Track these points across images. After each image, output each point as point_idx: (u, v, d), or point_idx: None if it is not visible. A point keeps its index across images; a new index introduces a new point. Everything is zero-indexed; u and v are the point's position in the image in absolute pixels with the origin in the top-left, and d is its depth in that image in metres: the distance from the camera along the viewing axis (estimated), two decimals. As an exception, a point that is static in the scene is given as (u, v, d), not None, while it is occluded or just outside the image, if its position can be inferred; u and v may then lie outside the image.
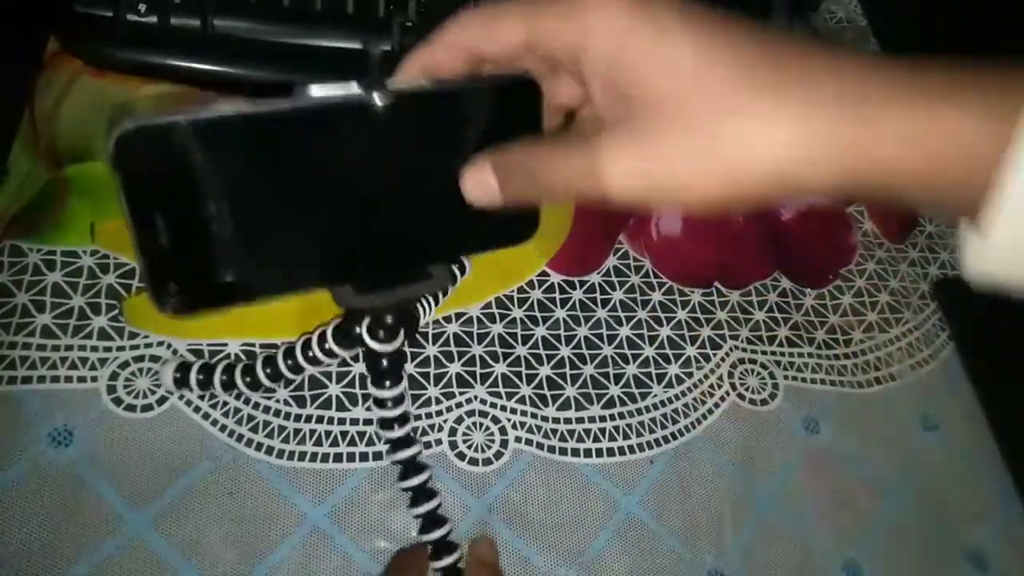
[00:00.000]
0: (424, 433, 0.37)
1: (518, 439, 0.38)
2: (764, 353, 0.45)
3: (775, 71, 0.20)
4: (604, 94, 0.22)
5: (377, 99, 0.24)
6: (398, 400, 0.32)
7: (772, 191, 0.20)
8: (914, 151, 0.18)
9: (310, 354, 0.33)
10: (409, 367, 0.39)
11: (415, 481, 0.33)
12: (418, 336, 0.40)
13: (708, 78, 0.20)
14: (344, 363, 0.38)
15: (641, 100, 0.21)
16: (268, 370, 0.34)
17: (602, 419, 0.40)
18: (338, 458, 0.36)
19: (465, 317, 0.41)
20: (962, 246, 0.19)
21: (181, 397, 0.35)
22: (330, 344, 0.33)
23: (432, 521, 0.33)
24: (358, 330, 0.30)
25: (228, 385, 0.34)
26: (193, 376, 0.34)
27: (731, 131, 0.20)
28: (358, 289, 0.26)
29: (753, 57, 0.20)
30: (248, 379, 0.34)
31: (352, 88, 0.24)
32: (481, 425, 0.38)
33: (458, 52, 0.24)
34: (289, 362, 0.34)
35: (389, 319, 0.29)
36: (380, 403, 0.32)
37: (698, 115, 0.20)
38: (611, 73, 0.21)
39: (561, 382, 0.40)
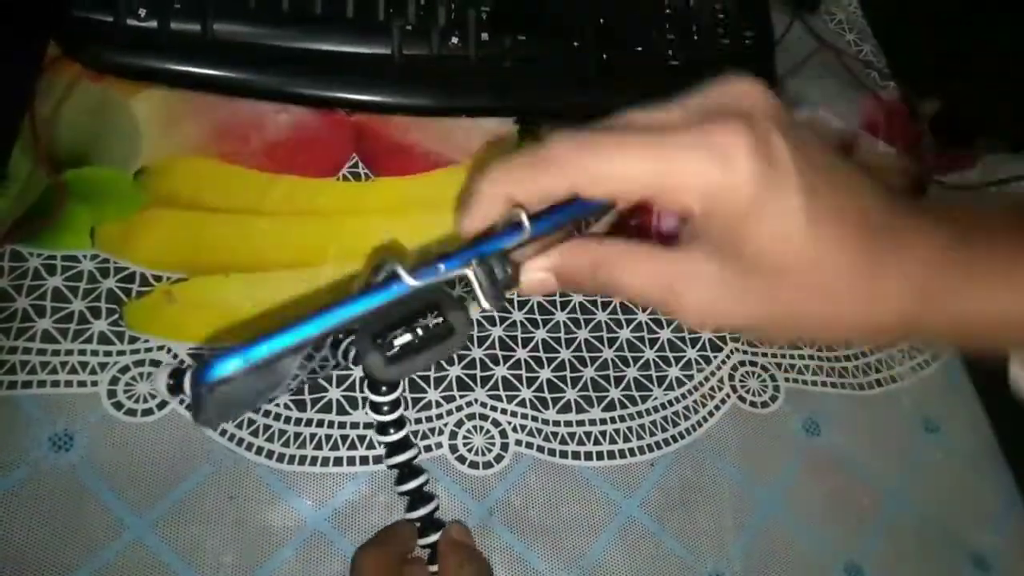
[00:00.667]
0: (424, 437, 0.37)
1: (518, 442, 0.38)
2: (765, 355, 0.45)
3: (880, 254, 0.22)
4: (711, 240, 0.23)
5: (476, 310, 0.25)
6: (394, 405, 0.33)
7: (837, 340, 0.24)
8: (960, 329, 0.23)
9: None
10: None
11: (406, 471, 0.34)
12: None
13: (824, 266, 0.22)
14: (344, 366, 0.38)
15: (753, 260, 0.22)
16: None
17: (603, 422, 0.40)
18: (339, 462, 0.36)
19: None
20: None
21: (181, 402, 0.35)
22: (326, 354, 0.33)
23: (420, 498, 0.34)
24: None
25: None
26: (188, 382, 0.34)
27: (829, 304, 0.22)
28: (388, 361, 0.26)
29: (864, 241, 0.22)
30: None
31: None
32: (481, 428, 0.38)
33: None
34: None
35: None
36: (376, 408, 0.32)
37: (818, 283, 0.22)
38: (727, 232, 0.22)
39: (561, 385, 0.40)
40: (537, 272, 0.25)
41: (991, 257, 0.22)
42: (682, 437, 0.41)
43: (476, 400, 0.39)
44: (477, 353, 0.40)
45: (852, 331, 0.23)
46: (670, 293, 0.23)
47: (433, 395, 0.38)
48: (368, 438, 0.37)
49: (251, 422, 0.35)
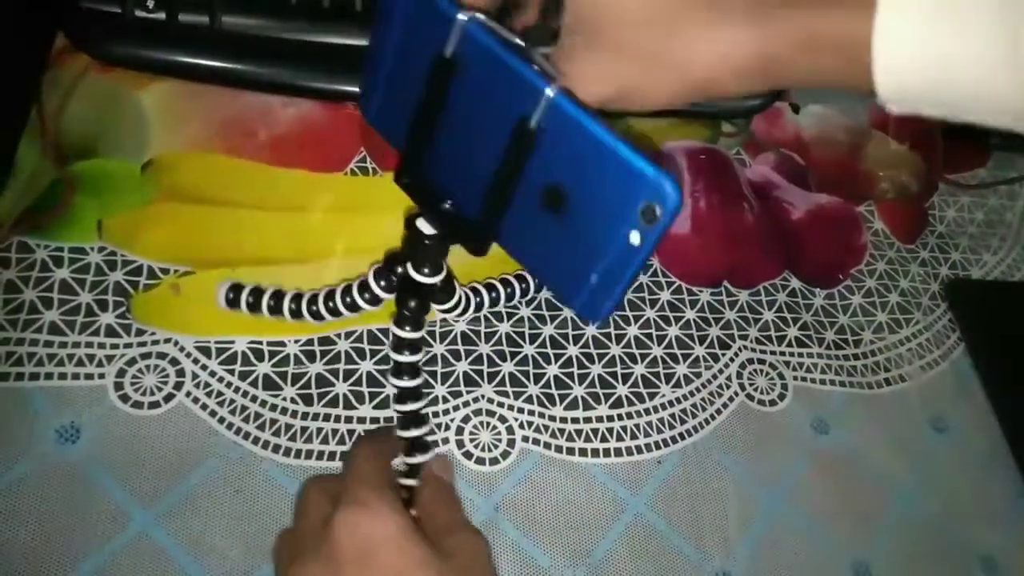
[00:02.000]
0: (431, 432, 0.37)
1: (525, 438, 0.38)
2: (773, 353, 0.44)
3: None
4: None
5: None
6: (415, 347, 0.33)
7: (705, 88, 0.26)
8: (802, 48, 0.24)
9: (348, 300, 0.35)
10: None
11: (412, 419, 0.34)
12: (425, 335, 0.39)
13: (655, 8, 0.25)
14: (351, 360, 0.38)
15: (602, 20, 0.25)
16: (312, 308, 0.35)
17: (610, 419, 0.40)
18: (345, 457, 0.36)
19: (474, 316, 0.41)
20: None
21: (188, 394, 0.35)
22: (373, 286, 0.34)
23: (415, 419, 0.34)
24: (400, 270, 0.33)
25: (275, 310, 0.36)
26: (244, 297, 0.36)
27: (677, 45, 0.25)
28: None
29: None
30: (293, 307, 0.36)
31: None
32: (488, 424, 0.38)
33: None
34: (329, 304, 0.35)
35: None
36: (398, 346, 0.33)
37: (650, 35, 0.25)
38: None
39: (569, 381, 0.40)
40: None
41: None
42: (689, 435, 0.40)
43: (483, 396, 0.39)
44: (484, 349, 0.40)
45: (696, 78, 0.26)
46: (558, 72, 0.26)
47: (440, 390, 0.38)
48: (374, 433, 0.36)
49: (258, 416, 0.35)
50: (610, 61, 0.25)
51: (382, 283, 0.34)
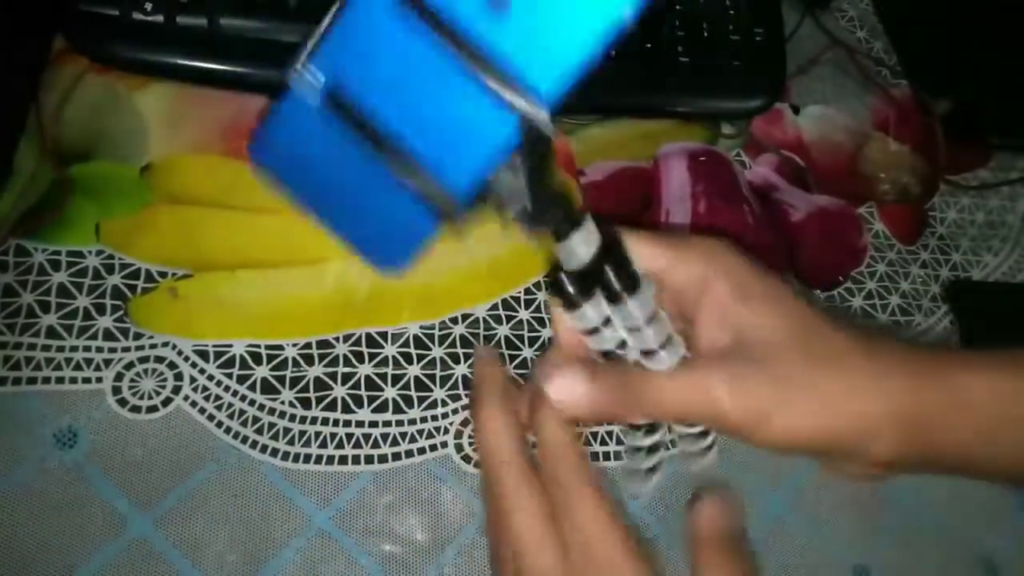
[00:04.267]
0: (430, 436, 0.37)
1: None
2: (773, 356, 0.44)
3: (871, 342, 0.25)
4: (713, 327, 0.25)
5: None
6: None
7: (846, 440, 0.25)
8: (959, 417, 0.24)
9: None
10: (415, 369, 0.38)
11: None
12: (422, 337, 0.39)
13: (811, 343, 0.25)
14: (349, 364, 0.38)
15: (753, 343, 0.25)
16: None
17: (610, 421, 0.40)
18: (343, 460, 0.35)
19: (471, 319, 0.41)
20: None
21: (186, 398, 0.35)
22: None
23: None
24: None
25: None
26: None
27: (829, 387, 0.24)
28: None
29: (838, 332, 0.25)
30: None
31: None
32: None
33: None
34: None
35: None
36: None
37: (804, 371, 0.24)
38: (727, 313, 0.25)
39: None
40: (573, 384, 0.25)
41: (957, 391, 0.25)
42: (689, 438, 0.40)
43: (482, 399, 0.39)
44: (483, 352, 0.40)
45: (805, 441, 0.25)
46: (705, 397, 0.25)
47: (439, 394, 0.38)
48: (373, 437, 0.36)
49: (256, 420, 0.35)
50: (763, 383, 0.24)
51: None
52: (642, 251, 0.26)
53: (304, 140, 0.24)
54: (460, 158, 0.23)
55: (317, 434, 0.36)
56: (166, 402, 0.35)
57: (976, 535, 0.42)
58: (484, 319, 0.41)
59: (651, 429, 0.28)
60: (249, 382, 0.36)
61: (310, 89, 0.23)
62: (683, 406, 0.25)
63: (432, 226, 0.24)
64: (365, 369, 0.38)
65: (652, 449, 0.29)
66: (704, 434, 0.30)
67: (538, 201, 0.24)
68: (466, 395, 0.39)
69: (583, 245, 0.25)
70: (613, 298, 0.25)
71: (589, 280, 0.26)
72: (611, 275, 0.25)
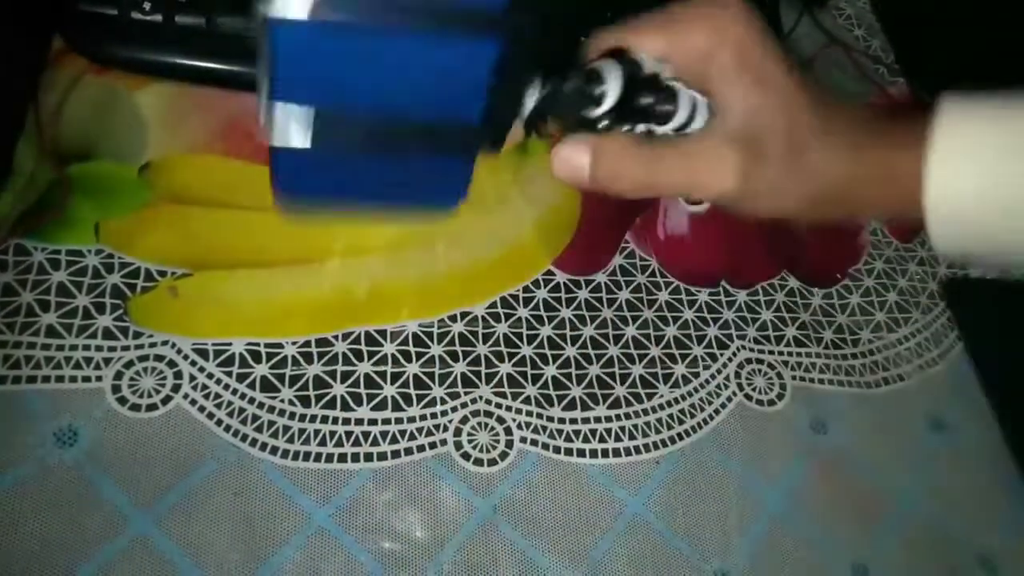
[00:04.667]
0: (429, 433, 0.37)
1: (523, 439, 0.38)
2: (771, 353, 0.44)
3: (830, 123, 0.27)
4: (723, 95, 0.27)
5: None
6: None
7: (823, 206, 0.28)
8: (875, 184, 0.27)
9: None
10: (414, 367, 0.39)
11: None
12: (421, 335, 0.39)
13: (799, 121, 0.27)
14: (348, 362, 0.38)
15: (746, 118, 0.26)
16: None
17: (608, 419, 0.40)
18: (343, 458, 0.36)
19: (470, 316, 0.41)
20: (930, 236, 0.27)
21: (186, 396, 0.35)
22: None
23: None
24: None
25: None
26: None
27: (810, 162, 0.27)
28: None
29: (818, 109, 0.27)
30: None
31: None
32: (486, 425, 0.38)
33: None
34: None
35: None
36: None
37: (791, 148, 0.27)
38: (736, 77, 0.26)
39: (566, 382, 0.40)
40: (577, 151, 0.27)
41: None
42: (688, 435, 0.40)
43: (481, 397, 0.39)
44: (482, 350, 0.40)
45: (773, 217, 0.28)
46: (703, 177, 0.27)
47: (438, 392, 0.38)
48: (373, 434, 0.36)
49: (255, 418, 0.35)
50: (746, 162, 0.26)
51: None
52: (645, 42, 0.27)
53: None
54: (461, 96, 0.24)
55: (316, 432, 0.36)
56: (166, 400, 0.35)
57: (973, 529, 0.42)
58: (483, 317, 0.41)
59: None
60: (248, 380, 0.36)
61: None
62: (682, 187, 0.27)
63: (471, 156, 0.26)
64: (364, 367, 0.38)
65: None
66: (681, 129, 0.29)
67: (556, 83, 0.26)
68: (465, 392, 0.39)
69: (611, 93, 0.26)
70: (660, 119, 0.27)
71: (624, 112, 0.27)
72: (650, 103, 0.27)
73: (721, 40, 0.26)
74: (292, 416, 0.36)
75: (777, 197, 0.27)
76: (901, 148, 0.27)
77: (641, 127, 0.27)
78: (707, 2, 0.27)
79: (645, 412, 0.41)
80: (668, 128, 0.27)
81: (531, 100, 0.26)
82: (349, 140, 0.24)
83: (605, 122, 0.27)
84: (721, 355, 0.43)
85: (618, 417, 0.40)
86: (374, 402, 0.37)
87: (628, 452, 0.39)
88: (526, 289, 0.42)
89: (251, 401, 0.36)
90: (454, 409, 0.38)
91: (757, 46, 0.27)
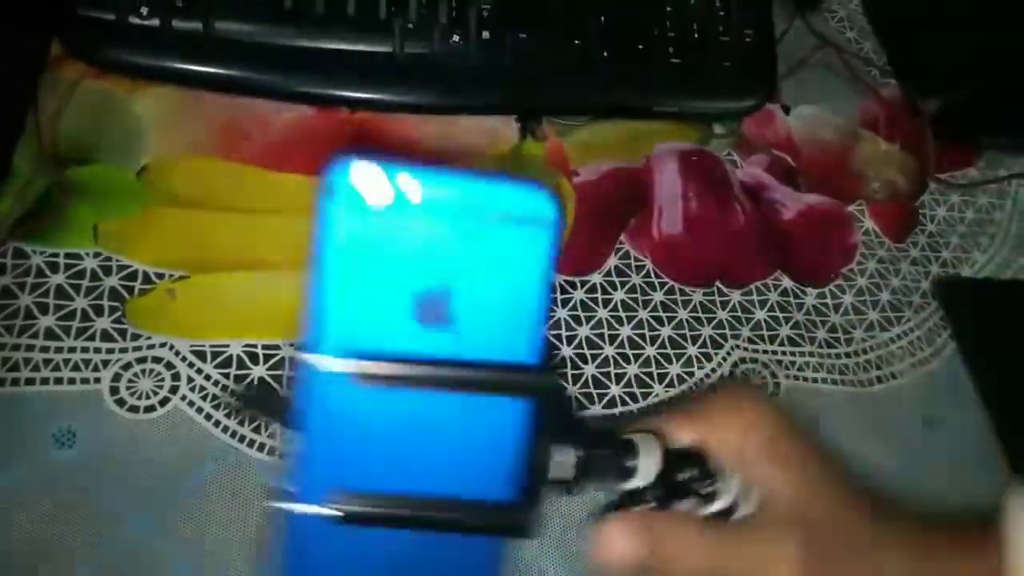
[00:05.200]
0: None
1: (520, 439, 0.38)
2: (765, 352, 0.45)
3: (888, 518, 0.27)
4: (762, 479, 0.27)
5: None
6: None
7: None
8: None
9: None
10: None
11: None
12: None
13: (851, 515, 0.27)
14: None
15: (792, 504, 0.26)
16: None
17: (604, 419, 0.40)
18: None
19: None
20: None
21: (183, 398, 0.35)
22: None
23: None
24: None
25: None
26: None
27: (873, 558, 0.26)
28: None
29: (869, 500, 0.28)
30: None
31: None
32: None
33: None
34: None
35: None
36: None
37: (848, 540, 0.26)
38: (767, 467, 0.27)
39: (562, 382, 0.40)
40: (624, 531, 0.26)
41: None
42: (683, 434, 0.41)
43: (477, 397, 0.39)
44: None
45: None
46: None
47: (434, 392, 0.38)
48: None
49: (252, 419, 0.36)
50: (807, 549, 0.26)
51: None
52: (678, 434, 0.27)
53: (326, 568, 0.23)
54: (494, 470, 0.22)
55: None
56: (164, 402, 0.35)
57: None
58: (479, 318, 0.41)
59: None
60: (246, 382, 0.36)
61: (315, 519, 0.22)
62: (758, 564, 0.26)
63: (501, 550, 0.24)
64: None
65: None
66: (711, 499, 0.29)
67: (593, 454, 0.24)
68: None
69: (651, 466, 0.25)
70: (705, 498, 0.26)
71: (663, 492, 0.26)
72: (693, 476, 0.26)
73: (749, 429, 0.27)
74: (290, 417, 0.36)
75: None
76: (970, 550, 0.26)
77: (684, 507, 0.26)
78: (733, 396, 0.28)
79: (641, 412, 0.41)
80: (713, 509, 0.26)
81: (560, 468, 0.24)
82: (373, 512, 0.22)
83: (652, 502, 0.26)
84: (715, 355, 0.44)
85: (614, 417, 0.40)
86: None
87: (624, 451, 0.39)
88: (522, 290, 0.43)
89: (249, 402, 0.36)
90: (451, 409, 0.38)
91: (786, 439, 0.27)
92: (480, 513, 0.22)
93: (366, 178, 0.19)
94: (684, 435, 0.27)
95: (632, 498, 0.26)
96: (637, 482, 0.25)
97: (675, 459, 0.26)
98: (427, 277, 0.20)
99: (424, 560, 0.23)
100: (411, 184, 0.19)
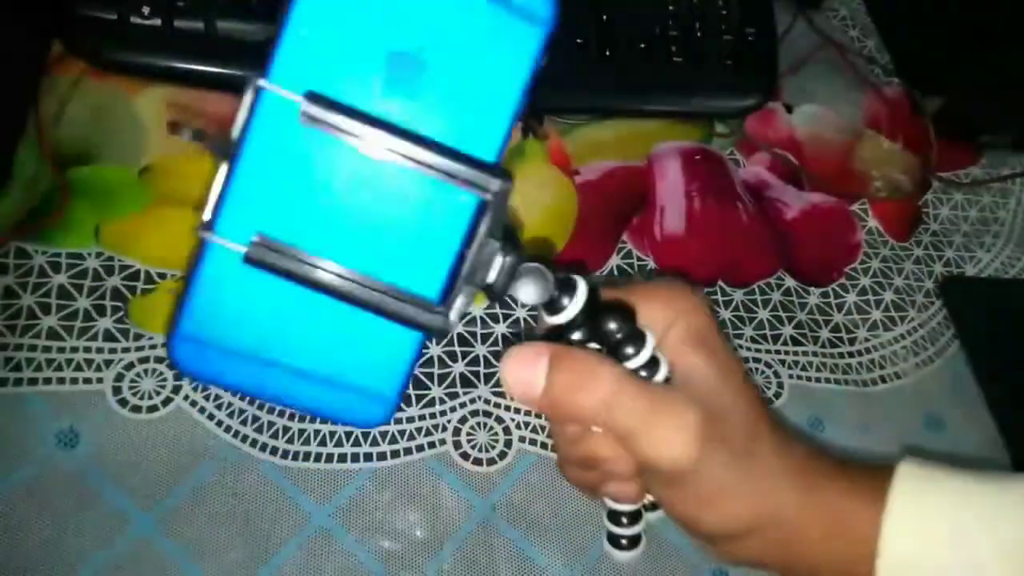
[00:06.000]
0: (428, 433, 0.37)
1: (521, 439, 0.38)
2: (769, 352, 0.45)
3: (785, 433, 0.27)
4: (684, 355, 0.26)
5: None
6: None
7: (763, 537, 0.26)
8: (820, 526, 0.26)
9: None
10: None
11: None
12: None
13: (759, 414, 0.26)
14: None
15: (707, 387, 0.26)
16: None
17: (606, 418, 0.40)
18: (342, 458, 0.36)
19: (469, 317, 0.41)
20: None
21: (186, 398, 0.35)
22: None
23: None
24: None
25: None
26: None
27: (765, 466, 0.26)
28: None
29: (772, 414, 0.27)
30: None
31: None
32: (485, 425, 0.38)
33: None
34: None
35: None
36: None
37: (749, 437, 0.26)
38: (692, 347, 0.26)
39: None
40: (534, 354, 0.25)
41: (825, 504, 0.26)
42: (685, 433, 0.41)
43: (479, 397, 0.39)
44: (481, 350, 0.40)
45: (715, 529, 0.26)
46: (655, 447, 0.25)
47: (437, 392, 0.38)
48: (372, 434, 0.37)
49: (255, 419, 0.36)
50: (706, 432, 0.25)
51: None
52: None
53: (234, 314, 0.21)
54: (424, 263, 0.21)
55: (316, 432, 0.36)
56: (166, 402, 0.35)
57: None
58: (481, 318, 0.41)
59: (635, 517, 0.30)
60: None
61: (227, 255, 0.20)
62: (648, 427, 0.25)
63: (414, 348, 0.22)
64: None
65: (634, 517, 0.30)
66: (636, 518, 0.30)
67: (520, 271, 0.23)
68: (464, 392, 0.39)
69: (577, 305, 0.25)
70: (624, 355, 0.25)
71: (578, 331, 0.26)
72: (618, 328, 0.25)
73: (678, 315, 0.27)
74: (292, 416, 0.36)
75: (724, 494, 0.25)
76: (854, 500, 0.26)
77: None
78: (665, 283, 0.28)
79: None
80: (632, 365, 0.25)
81: (486, 268, 0.22)
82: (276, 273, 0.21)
83: (577, 335, 0.25)
84: (718, 354, 0.44)
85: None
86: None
87: (626, 451, 0.39)
88: (524, 289, 0.42)
89: (251, 402, 0.36)
90: (453, 409, 0.38)
91: (713, 329, 0.27)
92: (396, 300, 0.21)
93: None
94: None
95: (553, 337, 0.25)
96: (560, 318, 0.24)
97: (604, 308, 0.25)
98: (404, 37, 0.19)
99: (326, 340, 0.22)
100: None
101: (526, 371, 0.24)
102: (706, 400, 0.25)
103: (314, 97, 0.20)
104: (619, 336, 0.25)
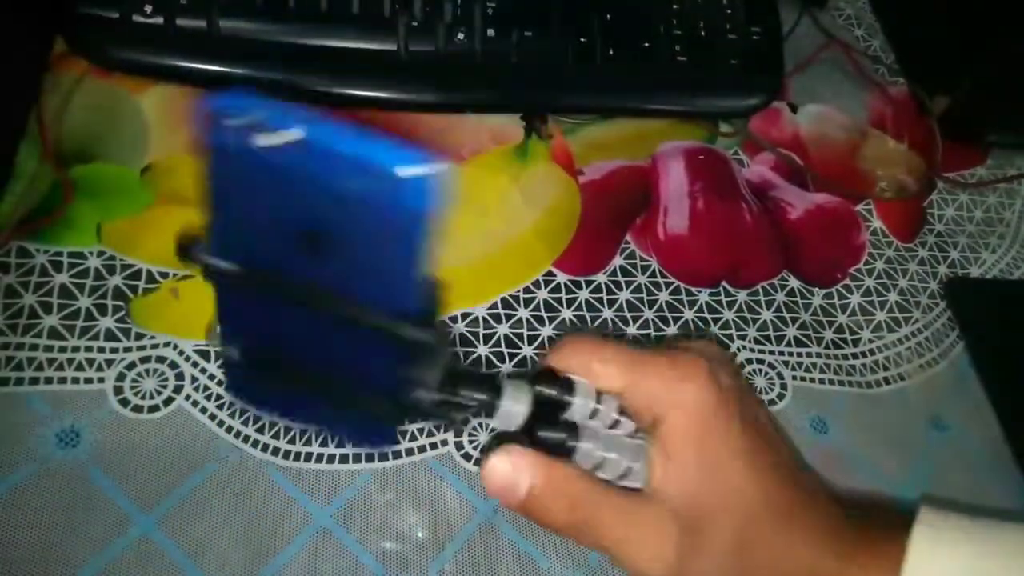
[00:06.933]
0: (429, 434, 0.37)
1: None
2: (772, 353, 0.44)
3: (790, 522, 0.26)
4: (666, 461, 0.25)
5: None
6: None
7: None
8: None
9: None
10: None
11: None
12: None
13: (750, 517, 0.25)
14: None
15: (685, 498, 0.25)
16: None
17: (609, 420, 0.40)
18: (344, 459, 0.36)
19: (471, 317, 0.41)
20: None
21: (187, 398, 0.35)
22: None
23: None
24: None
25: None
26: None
27: (760, 560, 0.25)
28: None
29: (778, 505, 0.26)
30: None
31: None
32: (487, 426, 0.38)
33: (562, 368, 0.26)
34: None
35: None
36: None
37: (738, 545, 0.25)
38: (679, 450, 0.25)
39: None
40: (509, 468, 0.25)
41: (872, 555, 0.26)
42: (688, 435, 0.40)
43: (482, 397, 0.39)
44: (483, 350, 0.40)
45: None
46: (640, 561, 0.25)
47: (439, 392, 0.38)
48: (374, 435, 0.36)
49: (257, 419, 0.35)
50: (683, 548, 0.25)
51: None
52: (605, 372, 0.26)
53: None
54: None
55: (318, 432, 0.36)
56: (168, 402, 0.35)
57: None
58: (484, 318, 0.41)
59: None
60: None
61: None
62: (621, 543, 0.25)
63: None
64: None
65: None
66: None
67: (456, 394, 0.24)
68: (466, 393, 0.39)
69: (517, 405, 0.25)
70: (556, 448, 0.25)
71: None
72: (559, 440, 0.25)
73: (677, 399, 0.25)
74: (293, 417, 0.36)
75: None
76: (868, 571, 0.25)
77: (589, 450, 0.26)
78: (674, 357, 0.26)
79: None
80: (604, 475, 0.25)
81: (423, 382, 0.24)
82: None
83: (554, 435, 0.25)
84: (722, 355, 0.43)
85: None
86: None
87: (629, 452, 0.39)
88: (527, 290, 0.42)
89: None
90: (455, 410, 0.38)
91: (719, 414, 0.25)
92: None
93: (241, 114, 0.18)
94: (608, 377, 0.25)
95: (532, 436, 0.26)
96: (497, 423, 0.25)
97: (548, 410, 0.25)
98: (302, 218, 0.20)
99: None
100: (287, 130, 0.18)
101: (507, 480, 0.25)
102: (689, 506, 0.25)
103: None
104: (564, 444, 0.25)
